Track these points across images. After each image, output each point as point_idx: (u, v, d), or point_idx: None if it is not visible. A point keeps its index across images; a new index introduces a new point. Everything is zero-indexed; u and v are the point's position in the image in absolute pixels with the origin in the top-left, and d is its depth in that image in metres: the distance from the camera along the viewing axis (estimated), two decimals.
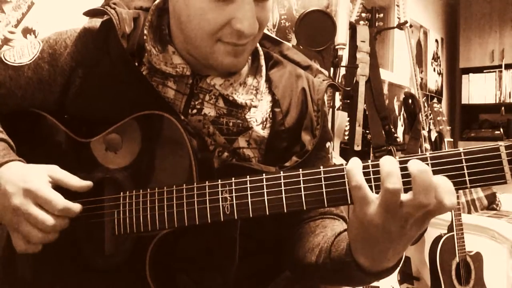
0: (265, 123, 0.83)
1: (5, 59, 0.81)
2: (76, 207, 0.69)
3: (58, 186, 0.70)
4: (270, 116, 0.83)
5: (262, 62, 0.86)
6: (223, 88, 0.80)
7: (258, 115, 0.82)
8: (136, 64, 0.79)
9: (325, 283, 0.83)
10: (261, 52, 0.87)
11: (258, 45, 0.87)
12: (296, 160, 0.79)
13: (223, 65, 0.76)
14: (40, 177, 0.69)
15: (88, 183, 0.72)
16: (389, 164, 0.54)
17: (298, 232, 0.82)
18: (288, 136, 0.82)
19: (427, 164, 0.56)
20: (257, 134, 0.81)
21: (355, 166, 0.57)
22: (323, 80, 0.87)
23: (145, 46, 0.79)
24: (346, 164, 0.60)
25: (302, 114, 0.83)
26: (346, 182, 0.60)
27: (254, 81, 0.84)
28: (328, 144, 0.88)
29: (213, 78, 0.80)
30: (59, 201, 0.67)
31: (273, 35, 2.22)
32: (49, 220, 0.67)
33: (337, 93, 2.36)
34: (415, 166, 0.53)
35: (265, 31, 0.84)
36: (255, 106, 0.82)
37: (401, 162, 0.57)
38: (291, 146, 0.82)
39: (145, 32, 0.79)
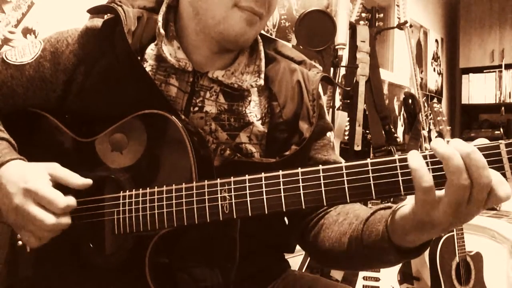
0: (264, 118, 0.85)
1: (7, 59, 0.81)
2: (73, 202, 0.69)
3: (58, 184, 0.71)
4: (268, 110, 0.85)
5: (261, 47, 0.88)
6: (227, 78, 0.81)
7: (257, 111, 0.84)
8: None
9: (358, 269, 0.87)
10: (259, 39, 0.89)
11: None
12: (295, 148, 0.81)
13: (235, 32, 0.77)
14: (40, 176, 0.69)
15: (88, 181, 0.72)
16: (457, 159, 0.52)
17: (320, 223, 0.83)
18: (287, 127, 0.84)
19: (427, 162, 0.56)
20: (257, 129, 0.83)
21: (422, 165, 0.54)
22: (317, 73, 0.89)
23: (159, 32, 0.80)
24: (344, 163, 0.60)
25: (299, 105, 0.85)
26: (345, 180, 0.60)
27: (255, 67, 0.86)
28: (329, 133, 0.91)
29: (214, 71, 0.81)
30: (61, 200, 0.67)
31: (273, 35, 2.23)
32: (49, 219, 0.67)
33: (337, 93, 2.37)
34: (463, 149, 0.52)
35: (263, 31, 0.86)
36: (261, 84, 0.84)
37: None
38: (290, 137, 0.84)
39: (160, 18, 0.81)
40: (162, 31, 0.80)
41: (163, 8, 0.83)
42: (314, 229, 0.84)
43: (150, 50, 0.81)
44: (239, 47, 0.83)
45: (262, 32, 0.94)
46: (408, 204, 0.61)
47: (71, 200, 0.69)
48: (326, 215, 0.83)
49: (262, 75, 0.85)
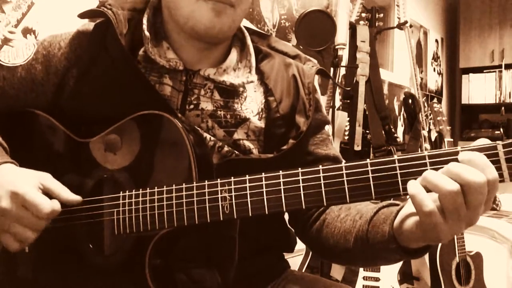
0: (261, 113, 0.85)
1: (0, 60, 0.81)
2: (58, 207, 0.68)
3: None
4: (265, 106, 0.85)
5: (249, 41, 0.88)
6: (218, 75, 0.81)
7: (254, 106, 0.84)
8: None
9: (362, 266, 0.87)
10: (246, 34, 0.89)
11: (243, 28, 0.89)
12: (293, 142, 0.81)
13: (204, 25, 0.76)
14: (29, 181, 0.68)
15: (78, 198, 0.72)
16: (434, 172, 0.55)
17: (321, 218, 0.84)
18: (284, 122, 0.84)
19: (425, 162, 0.57)
20: (254, 125, 0.83)
21: (419, 191, 0.56)
22: (312, 66, 0.90)
23: (144, 34, 0.80)
24: (344, 163, 0.60)
25: (295, 99, 0.85)
26: (345, 181, 0.61)
27: (247, 62, 0.86)
28: (327, 127, 0.91)
29: (206, 69, 0.81)
30: (46, 204, 0.66)
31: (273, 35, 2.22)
32: (34, 223, 0.67)
33: (337, 93, 2.37)
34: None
35: (264, 31, 0.85)
36: (252, 81, 0.84)
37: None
38: (288, 131, 0.84)
39: (144, 21, 0.81)
40: (147, 33, 0.80)
41: (147, 10, 0.83)
42: (316, 224, 0.85)
43: (142, 52, 0.81)
44: (217, 40, 0.82)
45: (255, 28, 0.94)
46: (413, 214, 0.62)
47: (56, 205, 0.68)
48: (327, 210, 0.84)
49: (253, 71, 0.85)
